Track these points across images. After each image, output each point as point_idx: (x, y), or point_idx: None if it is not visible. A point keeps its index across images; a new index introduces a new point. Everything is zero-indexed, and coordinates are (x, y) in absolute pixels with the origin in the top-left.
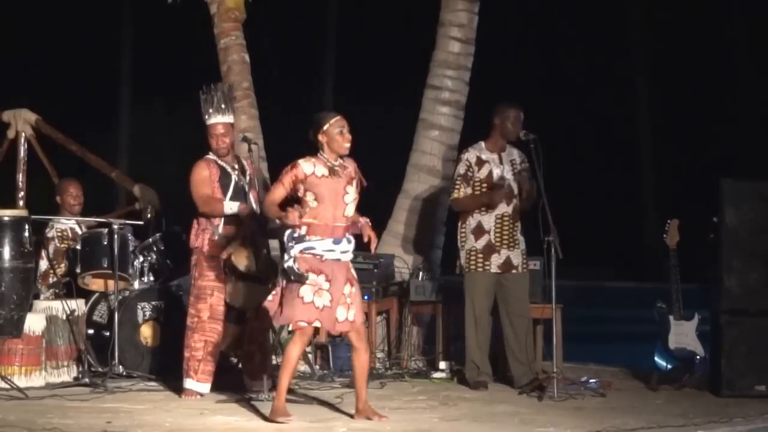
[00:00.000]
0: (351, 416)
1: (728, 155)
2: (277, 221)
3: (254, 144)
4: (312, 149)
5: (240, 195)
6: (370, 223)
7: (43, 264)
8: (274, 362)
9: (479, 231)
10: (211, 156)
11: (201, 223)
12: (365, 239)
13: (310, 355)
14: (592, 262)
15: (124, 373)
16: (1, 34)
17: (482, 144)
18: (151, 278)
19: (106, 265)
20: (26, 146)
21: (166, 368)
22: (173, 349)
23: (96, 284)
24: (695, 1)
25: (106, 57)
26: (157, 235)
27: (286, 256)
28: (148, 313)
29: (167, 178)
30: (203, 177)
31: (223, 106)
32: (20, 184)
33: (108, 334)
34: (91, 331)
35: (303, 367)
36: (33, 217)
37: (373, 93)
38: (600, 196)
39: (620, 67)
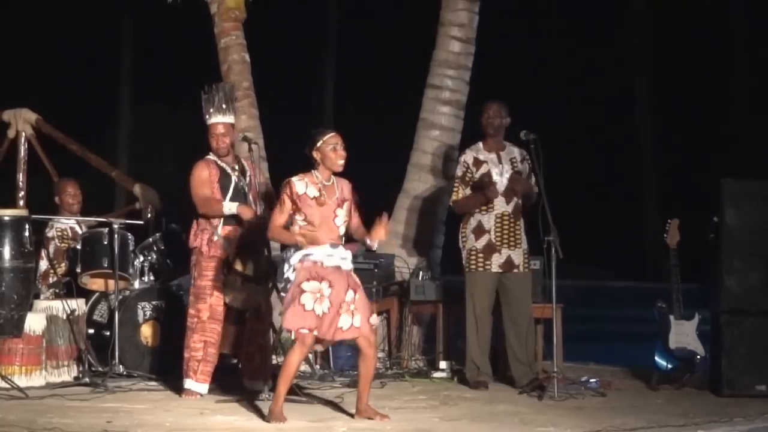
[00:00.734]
0: (351, 416)
1: (728, 155)
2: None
3: (254, 144)
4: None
5: (240, 196)
6: (387, 222)
7: (44, 264)
8: (274, 362)
9: (479, 231)
10: (211, 156)
11: (200, 223)
12: (372, 236)
13: (310, 355)
14: (593, 261)
15: (125, 373)
16: (2, 33)
17: (480, 144)
18: (152, 278)
19: (106, 265)
20: (26, 146)
21: (167, 368)
22: (173, 348)
23: (96, 284)
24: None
25: (107, 56)
26: (157, 234)
27: (286, 266)
28: (148, 313)
29: (167, 178)
30: (203, 178)
31: (224, 106)
32: (20, 183)
33: (108, 333)
34: (91, 331)
35: (303, 367)
36: (33, 216)
37: (374, 92)
38: (600, 196)
39: (621, 67)
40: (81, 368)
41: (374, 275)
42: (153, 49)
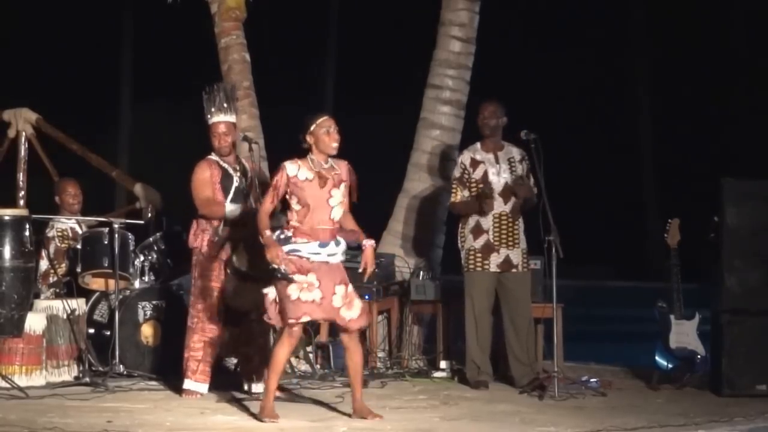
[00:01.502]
0: (349, 415)
1: (729, 155)
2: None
3: (255, 143)
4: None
5: (240, 197)
6: (374, 248)
7: (44, 263)
8: None
9: (478, 230)
10: (213, 157)
11: (200, 223)
12: (361, 267)
13: (311, 355)
14: (593, 261)
15: (125, 373)
16: (2, 33)
17: (477, 145)
18: (152, 277)
19: (106, 265)
20: (27, 145)
21: (167, 367)
22: (174, 348)
23: (96, 283)
24: (696, 1)
25: (107, 56)
26: (158, 234)
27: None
28: (148, 313)
29: (168, 178)
30: (204, 178)
31: (225, 105)
32: (21, 183)
33: (108, 333)
34: (91, 331)
35: (304, 367)
36: (34, 216)
37: (374, 92)
38: (601, 196)
39: (621, 67)
40: (81, 368)
41: (374, 275)
42: (153, 48)
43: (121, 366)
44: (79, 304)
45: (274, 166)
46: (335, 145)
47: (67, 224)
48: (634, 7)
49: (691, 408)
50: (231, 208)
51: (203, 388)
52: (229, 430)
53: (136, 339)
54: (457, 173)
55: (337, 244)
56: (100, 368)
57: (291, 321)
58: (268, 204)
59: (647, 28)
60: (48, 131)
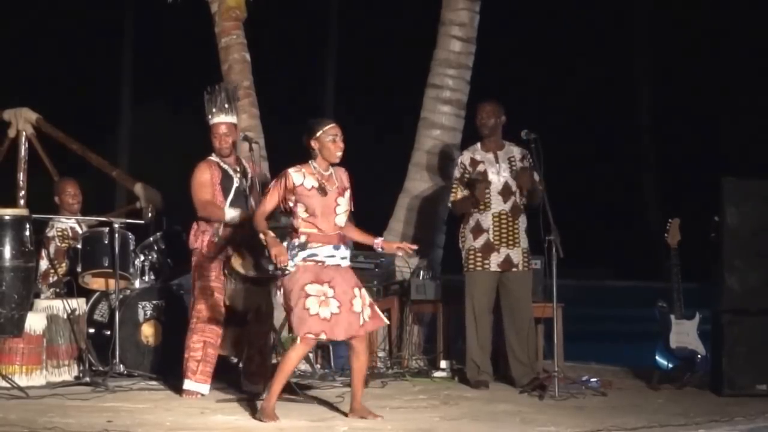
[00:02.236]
0: (345, 414)
1: (729, 154)
2: (262, 238)
3: (255, 143)
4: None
5: (241, 198)
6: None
7: (44, 263)
8: (274, 361)
9: (478, 230)
10: (213, 157)
11: (200, 224)
12: (399, 251)
13: (311, 354)
14: (593, 261)
15: (125, 372)
16: (3, 33)
17: (477, 145)
18: (152, 277)
19: (106, 264)
20: (27, 145)
21: (167, 367)
22: (174, 348)
23: (97, 283)
24: (696, 1)
25: (107, 56)
26: (158, 234)
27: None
28: (149, 312)
29: (168, 178)
30: (204, 180)
31: (226, 105)
32: (21, 183)
33: (109, 333)
34: (91, 330)
35: (304, 366)
36: (34, 216)
37: (374, 92)
38: (601, 196)
39: (621, 66)
40: (81, 368)
41: (375, 274)
42: (153, 48)
43: (121, 366)
44: (79, 304)
45: (275, 166)
46: (339, 153)
47: (67, 224)
48: (634, 7)
49: (691, 408)
50: (231, 214)
51: (203, 388)
52: (229, 430)
53: (136, 339)
54: (457, 173)
55: (347, 247)
56: (101, 368)
57: (309, 336)
58: (267, 207)
59: (648, 27)
60: (48, 131)
